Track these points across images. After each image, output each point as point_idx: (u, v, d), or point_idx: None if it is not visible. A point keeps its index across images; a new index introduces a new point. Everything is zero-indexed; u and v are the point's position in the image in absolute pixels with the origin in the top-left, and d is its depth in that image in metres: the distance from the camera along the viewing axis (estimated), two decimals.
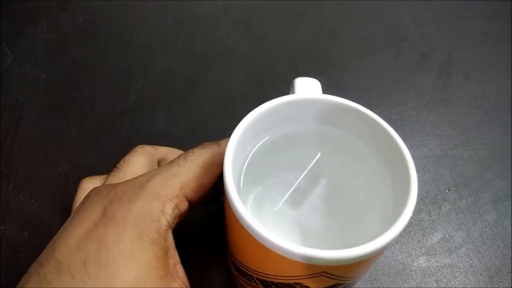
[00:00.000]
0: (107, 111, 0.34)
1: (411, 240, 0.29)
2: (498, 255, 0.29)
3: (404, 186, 0.19)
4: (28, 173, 0.30)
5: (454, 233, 0.30)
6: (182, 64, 0.38)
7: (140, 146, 0.24)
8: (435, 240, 0.29)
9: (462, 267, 0.28)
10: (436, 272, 0.28)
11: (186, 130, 0.33)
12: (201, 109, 0.35)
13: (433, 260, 0.28)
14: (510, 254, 0.29)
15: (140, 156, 0.24)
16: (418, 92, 0.37)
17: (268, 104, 0.21)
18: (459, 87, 0.38)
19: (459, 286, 0.27)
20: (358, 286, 0.27)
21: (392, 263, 0.28)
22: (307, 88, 0.23)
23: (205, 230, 0.28)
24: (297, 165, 0.24)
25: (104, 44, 0.39)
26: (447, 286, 0.27)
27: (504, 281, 0.28)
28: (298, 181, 0.24)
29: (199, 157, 0.21)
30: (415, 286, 0.27)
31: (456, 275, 0.28)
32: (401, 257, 0.28)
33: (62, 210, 0.29)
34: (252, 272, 0.21)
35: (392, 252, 0.28)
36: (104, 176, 0.23)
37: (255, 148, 0.23)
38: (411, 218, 0.30)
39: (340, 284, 0.20)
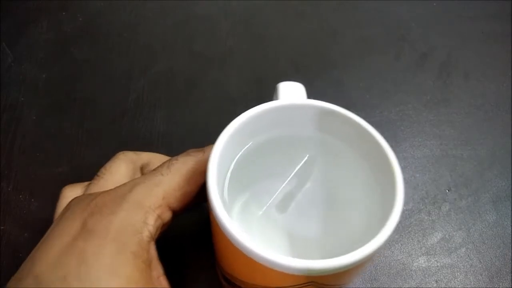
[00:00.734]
0: (107, 111, 0.34)
1: (411, 240, 0.29)
2: (498, 255, 0.29)
3: (391, 192, 0.19)
4: (28, 173, 0.30)
5: (454, 233, 0.30)
6: (182, 64, 0.38)
7: (121, 152, 0.24)
8: (435, 240, 0.29)
9: (462, 267, 0.28)
10: (436, 272, 0.28)
11: (186, 130, 0.33)
12: (201, 109, 0.35)
13: (433, 260, 0.28)
14: (510, 254, 0.29)
15: (122, 163, 0.23)
16: (418, 92, 0.37)
17: (252, 110, 0.21)
18: (459, 87, 0.38)
19: (459, 286, 0.27)
20: (358, 286, 0.27)
21: (392, 263, 0.28)
22: (291, 93, 0.23)
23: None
24: (284, 170, 0.24)
25: (104, 44, 0.39)
26: (447, 286, 0.27)
27: (504, 281, 0.28)
28: (283, 185, 0.24)
29: (183, 165, 0.21)
30: (415, 286, 0.27)
31: (456, 275, 0.28)
32: (401, 257, 0.28)
33: None
34: (241, 283, 0.21)
35: (392, 252, 0.28)
36: (86, 184, 0.23)
37: (240, 155, 0.23)
38: (411, 218, 0.30)
39: None
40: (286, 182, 0.24)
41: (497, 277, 0.28)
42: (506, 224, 0.30)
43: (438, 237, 0.29)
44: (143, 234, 0.18)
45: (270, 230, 0.24)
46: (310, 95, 0.36)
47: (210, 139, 0.23)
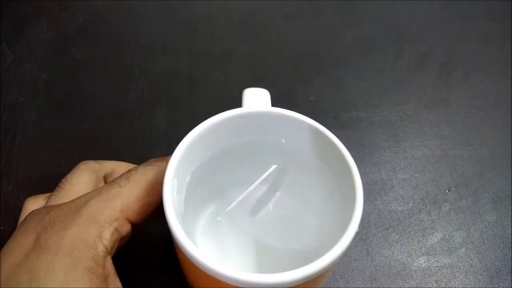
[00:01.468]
0: (107, 111, 0.34)
1: (411, 240, 0.29)
2: (498, 255, 0.29)
3: (350, 200, 0.19)
4: (28, 173, 0.30)
5: (454, 233, 0.30)
6: (182, 64, 0.38)
7: (83, 162, 0.23)
8: (435, 240, 0.29)
9: (462, 267, 0.28)
10: (436, 272, 0.28)
11: (186, 130, 0.33)
12: (201, 109, 0.35)
13: (433, 260, 0.28)
14: (510, 254, 0.29)
15: (83, 173, 0.22)
16: (418, 92, 0.37)
17: (213, 119, 0.21)
18: (459, 87, 0.38)
19: (459, 286, 0.27)
20: (358, 286, 0.27)
21: (392, 263, 0.28)
22: (255, 100, 0.23)
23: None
24: (252, 179, 0.24)
25: (104, 44, 0.39)
26: (447, 286, 0.27)
27: (504, 281, 0.28)
28: (248, 193, 0.24)
29: (143, 176, 0.20)
30: (415, 286, 0.27)
31: (456, 275, 0.28)
32: (401, 257, 0.28)
33: None
34: None
35: (392, 252, 0.28)
36: (48, 195, 0.22)
37: (203, 163, 0.22)
38: (411, 218, 0.30)
39: None
40: (251, 189, 0.24)
41: (497, 277, 0.28)
42: (506, 224, 0.30)
43: (438, 237, 0.29)
44: (97, 249, 0.18)
45: (236, 239, 0.24)
46: (310, 95, 0.36)
47: None
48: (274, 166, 0.24)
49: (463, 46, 0.41)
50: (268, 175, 0.25)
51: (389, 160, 0.33)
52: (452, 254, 0.29)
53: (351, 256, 0.28)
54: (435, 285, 0.27)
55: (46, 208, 0.19)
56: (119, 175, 0.21)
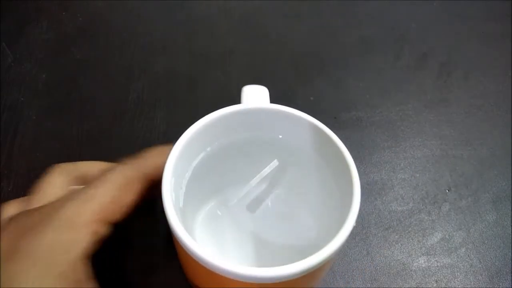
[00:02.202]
0: (107, 111, 0.34)
1: (411, 240, 0.29)
2: (498, 255, 0.29)
3: (348, 196, 0.19)
4: (28, 173, 0.30)
5: (454, 233, 0.30)
6: (182, 64, 0.38)
7: (56, 165, 0.23)
8: (435, 240, 0.29)
9: (462, 267, 0.28)
10: (436, 272, 0.28)
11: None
12: (201, 109, 0.34)
13: (433, 260, 0.28)
14: (510, 254, 0.29)
15: (57, 176, 0.22)
16: (418, 92, 0.37)
17: (212, 115, 0.21)
18: (459, 87, 0.38)
19: (459, 286, 0.27)
20: (358, 286, 0.27)
21: (392, 263, 0.28)
22: (254, 97, 0.23)
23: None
24: (252, 175, 0.24)
25: (104, 44, 0.39)
26: (447, 286, 0.27)
27: (504, 281, 0.28)
28: (248, 189, 0.24)
29: (117, 176, 0.20)
30: (415, 286, 0.27)
31: (456, 275, 0.28)
32: (401, 257, 0.28)
33: None
34: None
35: (392, 252, 0.28)
36: (23, 199, 0.22)
37: (202, 159, 0.22)
38: (411, 218, 0.30)
39: None
40: (252, 186, 0.24)
41: (497, 277, 0.28)
42: (506, 224, 0.30)
43: (438, 237, 0.29)
44: (74, 253, 0.17)
45: (236, 234, 0.24)
46: (310, 95, 0.36)
47: None
48: (275, 162, 0.24)
49: (463, 46, 0.41)
50: (269, 172, 0.25)
51: (389, 160, 0.33)
52: (452, 254, 0.29)
53: (351, 256, 0.28)
54: (435, 285, 0.27)
55: (20, 214, 0.19)
56: (93, 175, 0.21)
